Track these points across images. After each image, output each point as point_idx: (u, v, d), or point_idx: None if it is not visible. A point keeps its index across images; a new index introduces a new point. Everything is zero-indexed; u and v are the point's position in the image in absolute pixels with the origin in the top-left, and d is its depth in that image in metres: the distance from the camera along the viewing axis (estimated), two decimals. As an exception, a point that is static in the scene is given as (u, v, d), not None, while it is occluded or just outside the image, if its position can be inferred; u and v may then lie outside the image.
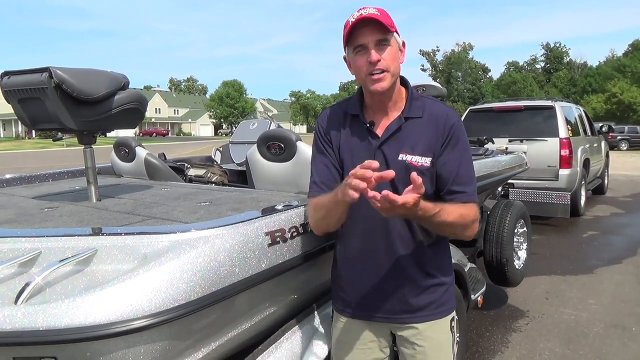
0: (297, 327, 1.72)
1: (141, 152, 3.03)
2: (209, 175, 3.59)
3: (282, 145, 2.47)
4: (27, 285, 1.23)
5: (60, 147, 36.39)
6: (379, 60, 1.34)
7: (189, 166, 3.79)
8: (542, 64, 71.39)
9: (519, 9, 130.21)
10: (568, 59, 69.58)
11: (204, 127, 77.47)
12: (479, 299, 3.02)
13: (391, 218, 1.40)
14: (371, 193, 1.13)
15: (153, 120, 71.27)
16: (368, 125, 1.45)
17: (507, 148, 6.11)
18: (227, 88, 67.02)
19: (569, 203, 6.06)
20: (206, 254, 1.36)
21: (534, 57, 72.07)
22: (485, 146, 5.82)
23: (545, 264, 5.21)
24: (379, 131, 1.44)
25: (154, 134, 58.98)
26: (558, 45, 69.90)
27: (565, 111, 7.68)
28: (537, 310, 3.92)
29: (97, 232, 1.45)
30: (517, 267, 3.83)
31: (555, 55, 69.51)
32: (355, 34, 1.35)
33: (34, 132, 59.86)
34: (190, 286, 1.29)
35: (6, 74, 2.02)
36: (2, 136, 62.10)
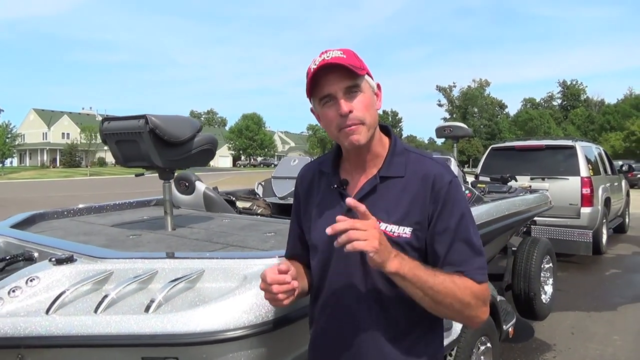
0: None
1: (200, 186, 3.35)
2: (254, 207, 3.89)
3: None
4: (154, 298, 1.51)
5: (83, 176, 37.34)
6: (351, 111, 1.14)
7: (233, 198, 4.10)
8: (559, 101, 71.71)
9: (534, 45, 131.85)
10: (585, 96, 69.83)
11: (222, 158, 78.66)
12: (510, 329, 3.21)
13: (360, 289, 1.20)
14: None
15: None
16: (335, 186, 1.26)
17: (530, 186, 6.32)
18: (246, 120, 68.59)
19: (591, 240, 6.21)
20: (292, 276, 1.62)
21: (550, 94, 72.62)
22: (509, 183, 6.07)
23: (569, 300, 5.33)
24: (352, 192, 1.23)
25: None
26: (574, 82, 70.38)
27: (586, 150, 7.89)
28: (564, 344, 4.06)
29: (202, 256, 1.74)
30: (544, 301, 4.00)
31: (571, 92, 69.86)
32: (319, 82, 1.16)
33: (57, 161, 61.96)
34: (281, 303, 1.56)
35: (106, 119, 2.37)
36: (28, 164, 63.76)
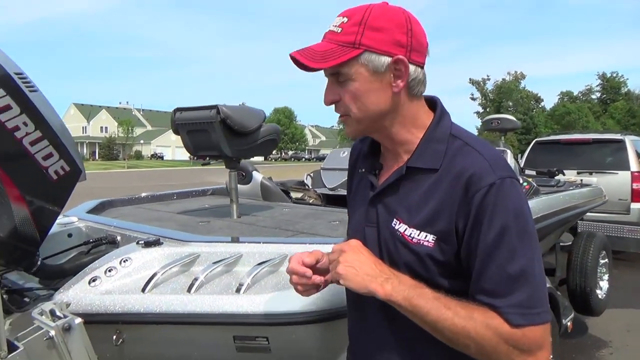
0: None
1: (257, 176, 3.43)
2: (306, 198, 3.94)
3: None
4: (243, 279, 1.57)
5: (121, 169, 38.45)
6: (333, 102, 0.98)
7: (285, 189, 4.17)
8: (598, 94, 69.24)
9: (573, 37, 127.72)
10: (625, 89, 67.22)
11: (253, 151, 79.36)
12: (569, 323, 3.17)
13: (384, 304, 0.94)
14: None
15: (205, 144, 73.80)
16: (362, 170, 1.11)
17: (582, 180, 6.16)
18: (278, 114, 69.19)
19: (642, 237, 6.02)
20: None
21: (589, 87, 70.09)
22: (556, 177, 5.94)
23: (621, 297, 5.18)
24: (382, 178, 1.05)
25: (207, 158, 60.89)
26: (615, 74, 67.79)
27: (635, 144, 7.63)
28: (620, 341, 3.96)
29: (284, 241, 1.79)
30: (600, 296, 3.92)
31: (611, 85, 67.30)
32: None
33: (96, 154, 63.98)
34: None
35: (178, 109, 2.45)
36: (67, 157, 65.90)
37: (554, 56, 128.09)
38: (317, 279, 1.03)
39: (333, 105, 0.99)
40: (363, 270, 0.90)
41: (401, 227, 0.97)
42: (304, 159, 69.88)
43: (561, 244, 4.21)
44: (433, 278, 0.93)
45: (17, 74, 1.58)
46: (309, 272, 1.01)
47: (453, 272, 0.94)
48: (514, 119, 5.50)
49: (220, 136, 2.32)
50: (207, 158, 2.68)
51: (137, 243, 1.82)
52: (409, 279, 0.90)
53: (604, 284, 4.09)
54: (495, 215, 0.88)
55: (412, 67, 0.94)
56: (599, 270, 3.99)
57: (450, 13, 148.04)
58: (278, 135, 2.61)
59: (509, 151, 4.15)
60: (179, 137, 2.51)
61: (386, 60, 0.92)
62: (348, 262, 0.91)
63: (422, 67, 0.97)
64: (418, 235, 0.94)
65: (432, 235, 0.93)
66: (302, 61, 0.93)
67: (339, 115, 1.00)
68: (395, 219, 0.98)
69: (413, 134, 0.99)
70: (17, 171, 1.61)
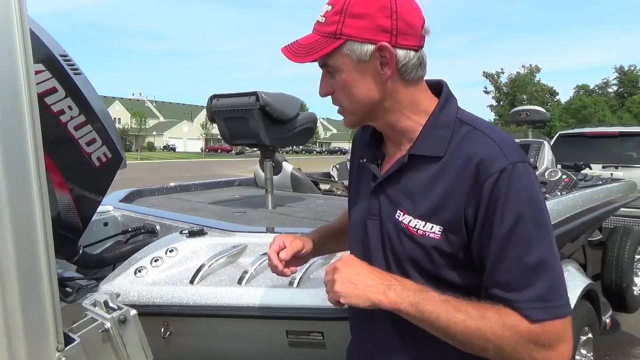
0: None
1: (287, 167, 3.36)
2: (334, 189, 3.87)
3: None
4: (295, 274, 1.51)
5: (134, 160, 38.68)
6: (327, 94, 0.96)
7: (313, 180, 4.09)
8: (615, 88, 68.12)
9: (589, 30, 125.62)
10: (644, 83, 66.03)
11: (264, 144, 79.47)
12: (607, 320, 3.08)
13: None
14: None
15: (218, 136, 74.04)
16: (364, 160, 1.05)
17: (612, 174, 6.03)
18: (289, 107, 69.00)
19: (670, 233, 5.86)
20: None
21: (605, 80, 68.98)
22: (583, 171, 5.80)
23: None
24: (385, 168, 1.00)
25: (219, 150, 61.31)
26: (632, 67, 66.61)
27: (664, 138, 7.45)
28: (655, 339, 3.86)
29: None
30: (636, 292, 3.82)
31: (629, 79, 66.18)
32: None
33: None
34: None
35: (215, 96, 2.39)
36: (81, 148, 66.48)
37: (569, 49, 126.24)
38: (288, 272, 1.10)
39: (330, 97, 0.96)
40: (362, 282, 0.85)
41: (405, 219, 0.91)
42: (314, 152, 69.78)
43: (588, 239, 4.10)
44: (440, 272, 0.88)
45: (62, 56, 1.53)
46: (279, 267, 1.08)
47: (462, 264, 0.88)
48: (543, 110, 5.38)
49: (259, 124, 2.25)
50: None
51: (181, 233, 1.77)
52: (413, 283, 0.86)
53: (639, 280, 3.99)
54: (508, 203, 0.82)
55: (401, 52, 0.87)
56: (634, 266, 3.88)
57: (463, 5, 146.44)
58: (315, 123, 2.55)
59: (546, 142, 4.03)
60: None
61: (369, 48, 0.87)
62: (344, 277, 0.86)
63: (416, 50, 0.89)
64: (423, 227, 0.89)
65: (438, 226, 0.87)
66: (287, 56, 0.91)
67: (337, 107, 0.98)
68: (398, 210, 0.93)
69: (414, 121, 0.94)
70: (61, 157, 1.55)
